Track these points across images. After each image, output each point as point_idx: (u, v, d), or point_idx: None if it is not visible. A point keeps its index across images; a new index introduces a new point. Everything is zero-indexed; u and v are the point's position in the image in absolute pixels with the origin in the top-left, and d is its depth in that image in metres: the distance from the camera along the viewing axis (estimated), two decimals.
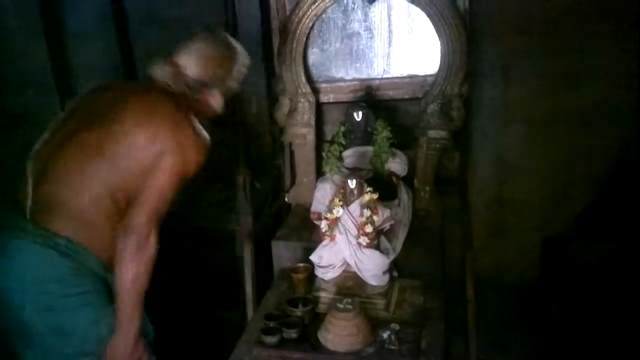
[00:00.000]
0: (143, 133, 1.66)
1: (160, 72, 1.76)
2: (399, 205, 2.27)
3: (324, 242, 1.98)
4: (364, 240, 1.90)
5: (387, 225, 2.01)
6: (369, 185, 1.98)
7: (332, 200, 1.97)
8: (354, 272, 1.95)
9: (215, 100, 1.82)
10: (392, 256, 2.02)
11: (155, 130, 1.65)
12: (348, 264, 1.95)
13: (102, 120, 1.69)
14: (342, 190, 1.98)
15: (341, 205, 1.93)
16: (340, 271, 1.97)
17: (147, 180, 1.65)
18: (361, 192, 1.95)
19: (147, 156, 1.66)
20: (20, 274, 1.67)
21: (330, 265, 1.96)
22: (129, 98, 1.71)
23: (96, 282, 1.70)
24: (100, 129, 1.69)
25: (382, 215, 1.94)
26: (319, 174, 2.55)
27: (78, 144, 1.70)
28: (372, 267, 1.92)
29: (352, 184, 1.94)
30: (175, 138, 1.66)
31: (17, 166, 1.77)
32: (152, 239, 1.64)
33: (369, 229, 1.90)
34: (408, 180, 2.45)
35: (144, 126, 1.67)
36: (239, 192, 2.45)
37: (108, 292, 1.71)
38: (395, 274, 2.10)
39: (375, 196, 1.94)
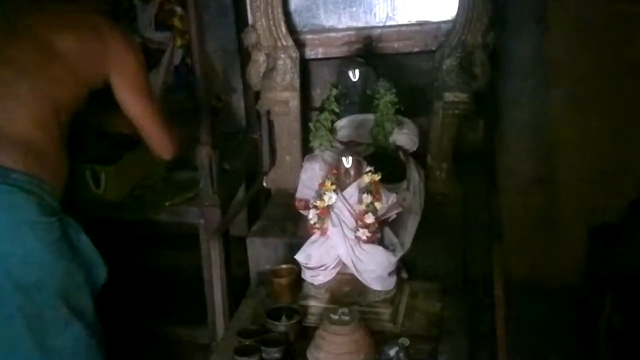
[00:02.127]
0: (76, 37, 1.95)
1: None
2: (407, 188, 2.28)
3: (313, 237, 1.99)
4: (363, 233, 1.91)
5: (393, 214, 2.02)
6: (369, 164, 1.99)
7: (322, 184, 1.97)
8: (352, 275, 1.96)
9: None
10: (400, 253, 2.02)
11: (87, 32, 1.99)
12: (344, 264, 1.96)
13: (26, 37, 1.91)
14: (335, 171, 1.98)
15: (334, 190, 1.93)
16: (333, 273, 1.98)
17: (126, 104, 2.08)
18: (359, 173, 1.95)
19: (92, 59, 1.98)
20: None
21: (322, 266, 1.97)
22: (41, 10, 2.00)
23: (59, 225, 1.95)
24: (29, 46, 1.91)
25: (386, 202, 1.95)
26: (306, 150, 2.56)
27: (5, 65, 1.90)
28: (375, 267, 1.93)
29: (347, 162, 1.94)
30: (110, 29, 2.02)
31: None
32: (173, 136, 2.20)
33: (369, 219, 1.91)
34: (419, 156, 2.46)
35: (75, 31, 1.96)
36: (202, 176, 2.45)
37: (67, 236, 1.98)
38: (404, 275, 2.11)
39: (377, 177, 1.94)
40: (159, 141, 2.19)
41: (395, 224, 2.10)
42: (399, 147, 2.43)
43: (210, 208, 2.47)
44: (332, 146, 2.43)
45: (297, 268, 2.05)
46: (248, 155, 2.86)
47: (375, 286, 1.96)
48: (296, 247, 2.04)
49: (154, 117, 2.14)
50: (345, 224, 1.93)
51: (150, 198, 2.56)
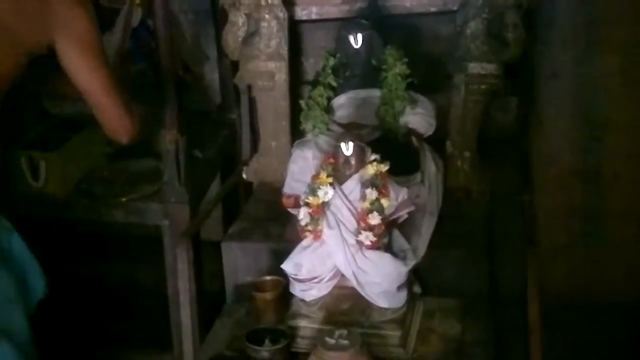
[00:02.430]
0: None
1: None
2: (422, 181, 2.29)
3: (304, 243, 1.98)
4: (367, 237, 1.91)
5: (403, 214, 2.02)
6: (374, 151, 1.98)
7: (316, 176, 1.97)
8: (352, 289, 1.96)
9: None
10: (412, 262, 2.02)
11: None
12: (342, 276, 1.96)
13: None
14: (331, 160, 1.98)
15: (331, 184, 1.93)
16: (329, 287, 1.98)
17: (72, 69, 2.03)
18: (362, 162, 1.95)
19: (31, 17, 1.93)
20: None
21: (315, 278, 1.97)
22: None
23: None
24: None
25: (395, 199, 1.95)
26: (296, 134, 2.56)
27: None
28: (381, 279, 1.93)
29: (347, 149, 1.94)
30: None
31: None
32: (134, 113, 2.11)
33: (374, 220, 1.90)
34: (437, 142, 2.46)
35: None
36: (167, 165, 2.44)
37: None
38: (417, 290, 2.12)
39: (384, 168, 1.94)
40: (115, 119, 2.14)
41: (406, 227, 2.10)
42: (411, 131, 2.42)
43: (176, 205, 2.46)
44: (328, 129, 2.43)
45: (284, 280, 2.05)
46: (224, 140, 2.86)
47: (382, 303, 1.95)
48: (283, 254, 2.03)
49: (109, 88, 2.10)
50: (345, 225, 1.93)
51: (102, 193, 2.54)
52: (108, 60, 2.15)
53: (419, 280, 2.14)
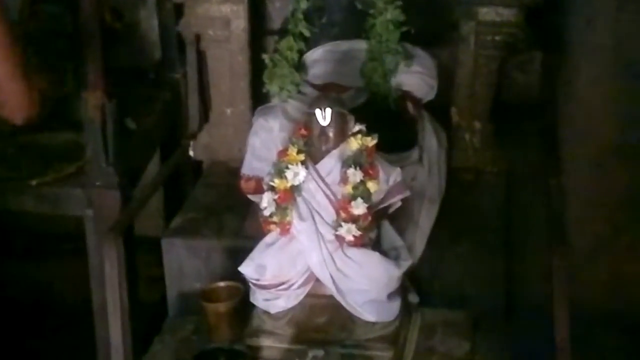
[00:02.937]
0: None
1: None
2: (420, 160, 2.30)
3: (268, 238, 2.00)
4: (349, 231, 1.92)
5: (396, 202, 2.04)
6: (359, 120, 1.99)
7: (284, 152, 1.98)
8: (330, 298, 1.97)
9: None
10: (407, 263, 2.04)
11: None
12: (317, 281, 1.97)
13: None
14: (303, 131, 1.99)
15: (303, 162, 1.94)
16: (301, 295, 1.99)
17: None
18: (343, 134, 1.96)
19: None
20: None
21: (282, 283, 1.98)
22: None
23: None
24: None
25: (385, 181, 1.97)
26: (258, 99, 2.58)
27: None
28: (367, 285, 1.94)
29: (323, 117, 1.95)
30: None
31: None
32: (31, 86, 2.07)
33: (359, 208, 1.91)
34: (439, 109, 2.48)
35: None
36: (90, 140, 2.42)
37: None
38: (413, 298, 2.13)
39: (371, 142, 1.96)
40: (8, 94, 2.08)
41: (400, 218, 2.12)
42: (406, 95, 2.44)
43: (102, 191, 2.45)
44: (299, 92, 2.45)
45: (242, 287, 2.07)
46: (165, 106, 2.86)
47: (368, 315, 1.97)
48: (241, 253, 2.04)
49: (2, 54, 2.04)
50: (320, 216, 1.94)
51: (6, 175, 2.53)
52: (6, 14, 2.11)
53: (416, 286, 2.15)
